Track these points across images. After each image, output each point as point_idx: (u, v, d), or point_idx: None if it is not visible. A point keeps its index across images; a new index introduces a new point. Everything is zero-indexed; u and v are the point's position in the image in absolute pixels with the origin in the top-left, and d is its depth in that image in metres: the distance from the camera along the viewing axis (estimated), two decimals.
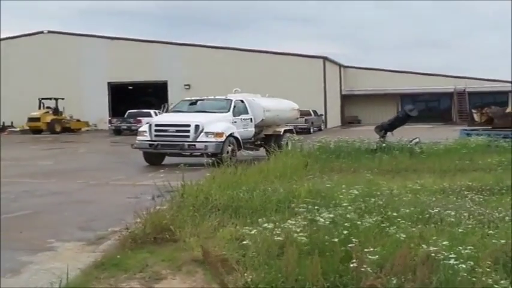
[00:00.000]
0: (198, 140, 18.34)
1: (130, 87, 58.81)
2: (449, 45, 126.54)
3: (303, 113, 46.77)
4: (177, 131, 18.76)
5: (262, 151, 20.37)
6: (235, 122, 19.72)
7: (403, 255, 4.88)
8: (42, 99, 49.49)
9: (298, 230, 5.72)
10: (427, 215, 7.34)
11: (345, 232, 5.67)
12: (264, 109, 21.21)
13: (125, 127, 45.17)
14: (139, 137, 19.49)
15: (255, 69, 52.54)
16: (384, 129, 20.02)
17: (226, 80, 50.65)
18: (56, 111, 49.20)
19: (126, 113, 46.50)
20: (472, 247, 5.35)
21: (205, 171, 11.12)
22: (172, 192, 9.22)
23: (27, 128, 47.90)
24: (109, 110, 56.02)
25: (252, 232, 5.99)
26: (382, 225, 6.19)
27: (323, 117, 51.99)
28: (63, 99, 49.29)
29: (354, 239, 5.50)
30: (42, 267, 6.41)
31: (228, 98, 21.35)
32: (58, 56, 55.17)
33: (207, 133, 18.35)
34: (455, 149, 17.02)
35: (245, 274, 5.41)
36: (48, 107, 49.32)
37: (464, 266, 4.80)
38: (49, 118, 47.87)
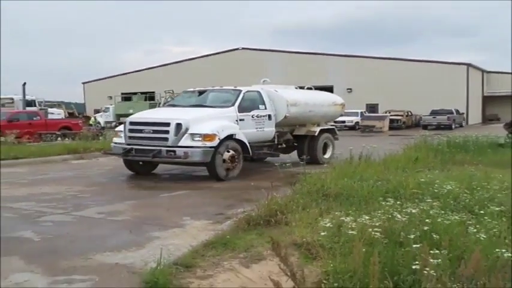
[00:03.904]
0: (179, 144, 11.34)
1: None
2: None
3: (444, 112, 43.51)
4: (154, 131, 11.73)
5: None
6: (241, 119, 12.50)
7: (475, 259, 3.68)
8: None
9: (378, 224, 4.65)
10: None
11: (426, 228, 4.51)
12: (288, 103, 13.73)
13: None
14: (115, 139, 12.80)
15: (405, 75, 50.20)
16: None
17: (383, 85, 49.11)
18: None
19: None
20: None
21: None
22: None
23: None
24: None
25: (327, 225, 5.00)
26: (469, 222, 4.90)
27: (464, 115, 48.46)
28: None
29: (434, 236, 4.37)
30: (164, 242, 5.92)
31: (236, 88, 13.49)
32: (249, 68, 56.16)
33: (192, 135, 11.35)
34: None
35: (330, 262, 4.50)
36: None
37: None
38: None
